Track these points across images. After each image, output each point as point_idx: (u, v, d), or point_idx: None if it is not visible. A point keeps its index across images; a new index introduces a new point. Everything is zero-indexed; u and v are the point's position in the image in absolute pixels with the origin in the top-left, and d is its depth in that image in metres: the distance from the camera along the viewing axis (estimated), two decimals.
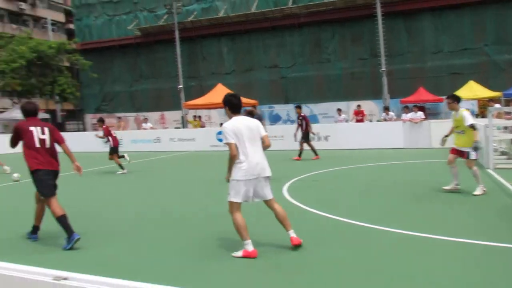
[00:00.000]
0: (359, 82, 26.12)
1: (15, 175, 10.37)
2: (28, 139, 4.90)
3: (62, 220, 4.79)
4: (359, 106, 18.20)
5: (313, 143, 12.93)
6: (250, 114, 7.98)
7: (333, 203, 6.21)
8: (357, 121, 17.35)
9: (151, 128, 21.60)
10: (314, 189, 7.46)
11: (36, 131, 5.00)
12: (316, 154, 12.32)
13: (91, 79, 34.21)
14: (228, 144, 4.19)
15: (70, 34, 38.29)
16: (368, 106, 24.40)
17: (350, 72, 26.52)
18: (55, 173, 4.98)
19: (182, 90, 27.48)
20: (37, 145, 4.95)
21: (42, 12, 42.77)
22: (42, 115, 32.70)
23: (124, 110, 33.92)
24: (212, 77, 29.92)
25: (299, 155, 12.22)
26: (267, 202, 4.32)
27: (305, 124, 12.22)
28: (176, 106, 29.89)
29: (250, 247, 4.17)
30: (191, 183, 8.82)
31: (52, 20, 40.90)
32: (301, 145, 12.32)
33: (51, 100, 39.69)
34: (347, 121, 17.44)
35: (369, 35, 25.80)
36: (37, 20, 42.87)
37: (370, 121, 21.64)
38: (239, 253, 4.18)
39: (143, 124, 22.04)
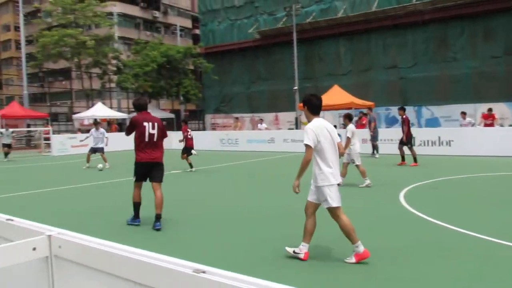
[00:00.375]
0: (490, 83, 25.06)
1: (100, 165, 13.61)
2: (139, 132, 6.17)
3: (136, 205, 6.35)
4: (490, 109, 17.13)
5: (430, 147, 12.94)
6: (348, 117, 8.83)
7: (453, 213, 5.99)
8: (486, 125, 16.54)
9: (266, 128, 23.48)
10: (433, 197, 7.23)
11: (148, 126, 6.22)
12: (415, 161, 12.02)
13: (212, 81, 39.14)
14: (307, 146, 4.38)
15: (195, 39, 44.12)
16: (500, 108, 23.63)
17: (480, 71, 25.56)
18: (155, 164, 6.25)
19: (297, 91, 29.81)
20: (146, 139, 6.19)
21: (172, 19, 50.15)
22: (167, 114, 38.97)
23: (241, 110, 37.88)
24: (328, 78, 31.27)
25: (403, 159, 12.32)
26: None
27: (406, 127, 12.11)
28: (290, 107, 32.01)
29: (361, 247, 4.32)
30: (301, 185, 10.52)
31: (181, 27, 47.76)
32: (400, 149, 12.30)
33: (176, 100, 46.56)
34: (473, 125, 16.94)
35: (503, 31, 24.91)
36: (167, 27, 50.47)
37: (501, 125, 20.98)
38: (352, 259, 4.31)
39: (259, 125, 24.71)
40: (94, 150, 14.77)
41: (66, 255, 1.63)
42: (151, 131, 6.34)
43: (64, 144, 23.09)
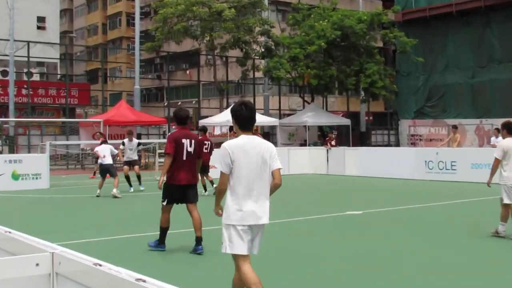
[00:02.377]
0: None
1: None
2: (178, 151, 8.95)
3: (163, 230, 9.32)
4: None
5: None
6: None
7: None
8: None
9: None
10: None
11: (186, 143, 8.90)
12: None
13: (412, 66, 38.49)
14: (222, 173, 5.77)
15: (387, 0, 43.83)
16: None
17: None
18: (190, 187, 9.15)
19: None
20: (184, 157, 8.94)
21: None
22: (339, 119, 39.38)
23: (461, 114, 36.35)
24: None
25: None
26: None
27: None
28: None
29: None
30: None
31: None
32: None
33: (354, 97, 46.83)
34: None
35: None
36: None
37: None
38: None
39: (492, 138, 23.45)
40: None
41: (66, 273, 2.68)
42: (189, 149, 8.99)
43: None
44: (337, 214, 14.26)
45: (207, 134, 18.59)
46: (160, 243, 9.40)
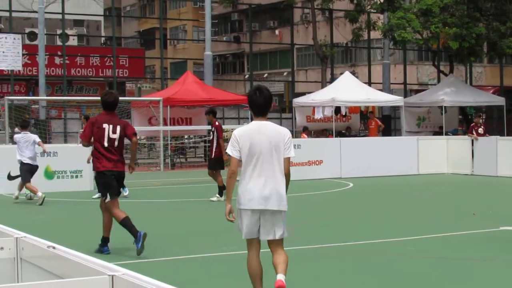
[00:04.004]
0: None
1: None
2: (98, 136, 11.60)
3: (126, 222, 11.21)
4: None
5: None
6: None
7: None
8: None
9: None
10: None
11: (108, 128, 11.52)
12: None
13: None
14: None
15: None
16: None
17: None
18: (119, 174, 11.80)
19: None
20: (106, 144, 11.52)
21: None
22: (489, 98, 38.52)
23: None
24: None
25: None
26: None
27: None
28: None
29: None
30: None
31: None
32: None
33: (511, 66, 45.67)
34: None
35: None
36: None
37: None
38: None
39: None
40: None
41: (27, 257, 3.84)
42: (112, 136, 11.67)
43: None
44: (488, 230, 14.16)
45: (216, 121, 20.20)
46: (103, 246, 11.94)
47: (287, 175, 7.89)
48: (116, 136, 11.66)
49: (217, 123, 19.95)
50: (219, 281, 10.27)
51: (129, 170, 12.64)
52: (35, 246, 3.72)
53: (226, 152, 8.54)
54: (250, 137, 7.81)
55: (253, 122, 8.06)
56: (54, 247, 3.52)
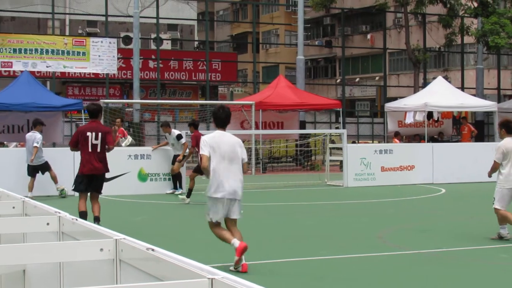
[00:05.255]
0: None
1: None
2: (84, 144, 13.95)
3: (82, 215, 13.36)
4: None
5: None
6: None
7: None
8: None
9: None
10: None
11: (91, 136, 13.83)
12: None
13: None
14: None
15: None
16: None
17: None
18: (95, 177, 14.09)
19: None
20: (89, 149, 13.89)
21: None
22: None
23: None
24: None
25: None
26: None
27: None
28: None
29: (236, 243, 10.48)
30: None
31: None
32: None
33: None
34: None
35: None
36: None
37: None
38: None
39: None
40: None
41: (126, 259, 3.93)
42: (94, 142, 14.00)
43: (368, 164, 25.35)
44: None
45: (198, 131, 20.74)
46: None
47: (245, 172, 11.12)
48: (98, 142, 14.00)
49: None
50: (315, 285, 10.34)
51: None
52: (134, 248, 3.77)
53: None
54: (217, 142, 10.63)
55: (217, 131, 10.94)
56: (153, 249, 3.56)
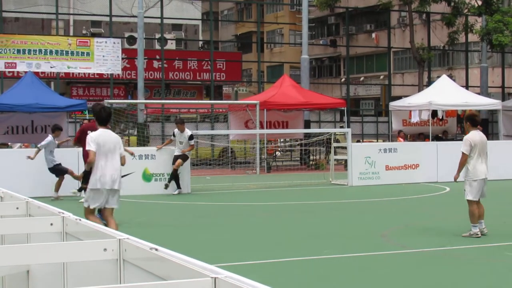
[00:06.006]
0: None
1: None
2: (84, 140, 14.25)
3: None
4: None
5: None
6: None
7: None
8: None
9: None
10: None
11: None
12: None
13: None
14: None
15: None
16: None
17: None
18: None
19: None
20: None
21: None
22: None
23: None
24: None
25: None
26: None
27: None
28: None
29: None
30: None
31: None
32: None
33: None
34: None
35: None
36: None
37: None
38: None
39: None
40: None
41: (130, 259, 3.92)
42: None
43: (372, 163, 25.38)
44: None
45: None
46: None
47: (123, 164, 12.48)
48: None
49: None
50: (319, 284, 10.38)
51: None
52: (138, 248, 3.78)
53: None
54: (101, 139, 11.96)
55: (100, 129, 12.23)
56: (156, 249, 3.57)
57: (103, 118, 12.33)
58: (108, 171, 11.96)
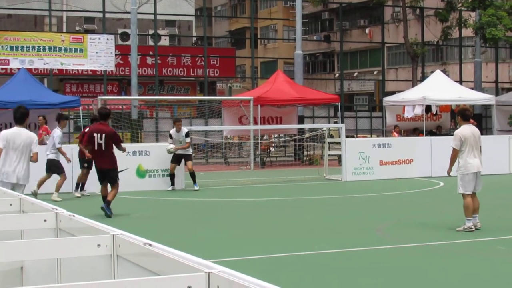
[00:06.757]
0: None
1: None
2: (92, 143, 16.58)
3: (103, 198, 16.49)
4: None
5: None
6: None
7: None
8: None
9: None
10: None
11: (97, 136, 16.32)
12: None
13: None
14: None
15: None
16: None
17: None
18: (106, 170, 16.56)
19: None
20: (96, 148, 16.46)
21: None
22: None
23: None
24: None
25: None
26: None
27: None
28: None
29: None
30: None
31: None
32: None
33: None
34: None
35: None
36: None
37: None
38: None
39: None
40: None
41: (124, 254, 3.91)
42: (99, 141, 16.26)
43: (366, 158, 25.37)
44: None
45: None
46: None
47: (35, 161, 13.12)
48: (102, 141, 16.28)
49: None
50: (313, 279, 10.43)
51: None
52: (132, 243, 3.78)
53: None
54: (13, 137, 12.75)
55: (14, 127, 13.03)
56: (150, 244, 3.57)
57: (17, 118, 13.02)
58: (13, 167, 12.69)
